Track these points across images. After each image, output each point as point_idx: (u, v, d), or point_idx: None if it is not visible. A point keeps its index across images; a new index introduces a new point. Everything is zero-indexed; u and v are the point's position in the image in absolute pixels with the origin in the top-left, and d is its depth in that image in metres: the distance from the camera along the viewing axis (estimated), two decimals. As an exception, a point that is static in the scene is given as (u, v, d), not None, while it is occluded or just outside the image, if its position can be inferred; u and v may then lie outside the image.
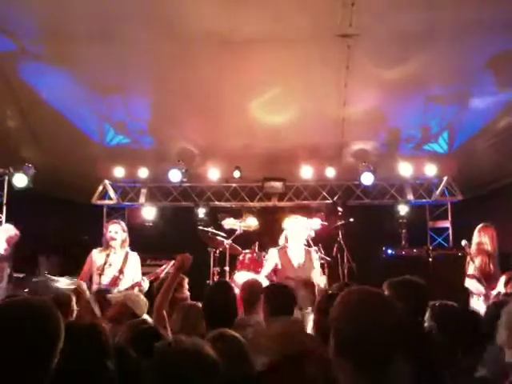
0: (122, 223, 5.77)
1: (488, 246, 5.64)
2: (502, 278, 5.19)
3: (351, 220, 7.24)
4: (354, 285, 3.22)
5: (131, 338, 2.76)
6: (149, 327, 3.01)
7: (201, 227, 7.51)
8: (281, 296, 3.62)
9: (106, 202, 8.86)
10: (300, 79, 6.15)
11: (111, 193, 8.79)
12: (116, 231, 5.53)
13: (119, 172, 8.25)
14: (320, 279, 5.66)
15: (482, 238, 5.73)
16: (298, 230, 5.92)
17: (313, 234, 6.07)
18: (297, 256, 5.77)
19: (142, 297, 4.12)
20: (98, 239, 6.78)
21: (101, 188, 8.75)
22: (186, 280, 4.43)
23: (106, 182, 8.67)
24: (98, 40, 5.37)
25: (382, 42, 5.34)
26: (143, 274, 5.64)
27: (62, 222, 8.13)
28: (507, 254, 5.79)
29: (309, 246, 6.68)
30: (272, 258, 5.87)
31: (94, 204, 8.73)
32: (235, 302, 3.46)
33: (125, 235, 5.60)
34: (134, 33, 5.29)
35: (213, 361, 1.60)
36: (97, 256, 5.53)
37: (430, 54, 5.55)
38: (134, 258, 5.59)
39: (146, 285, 5.34)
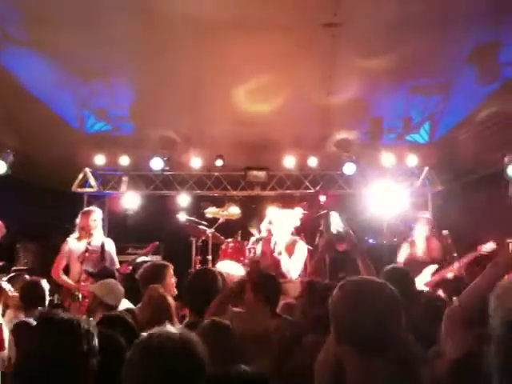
0: (100, 210, 5.98)
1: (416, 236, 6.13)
2: (430, 268, 5.55)
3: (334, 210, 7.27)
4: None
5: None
6: (115, 315, 2.99)
7: (183, 216, 7.48)
8: (271, 285, 3.62)
9: (87, 189, 8.73)
10: (284, 68, 6.11)
11: (92, 181, 8.68)
12: (97, 219, 5.70)
13: (100, 160, 8.13)
14: (289, 267, 5.40)
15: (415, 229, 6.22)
16: (284, 219, 5.82)
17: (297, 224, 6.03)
18: (278, 246, 5.62)
19: (116, 285, 4.06)
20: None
21: (81, 176, 8.63)
22: (172, 268, 4.40)
23: (87, 169, 8.56)
24: (79, 25, 5.24)
25: (366, 31, 5.32)
26: (122, 262, 5.76)
27: (42, 210, 8.01)
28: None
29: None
30: (259, 250, 5.84)
31: (74, 192, 8.61)
32: (216, 289, 3.47)
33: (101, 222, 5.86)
34: (116, 18, 5.16)
35: (199, 352, 1.59)
36: (75, 244, 5.52)
37: (413, 45, 5.55)
38: (110, 243, 5.75)
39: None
